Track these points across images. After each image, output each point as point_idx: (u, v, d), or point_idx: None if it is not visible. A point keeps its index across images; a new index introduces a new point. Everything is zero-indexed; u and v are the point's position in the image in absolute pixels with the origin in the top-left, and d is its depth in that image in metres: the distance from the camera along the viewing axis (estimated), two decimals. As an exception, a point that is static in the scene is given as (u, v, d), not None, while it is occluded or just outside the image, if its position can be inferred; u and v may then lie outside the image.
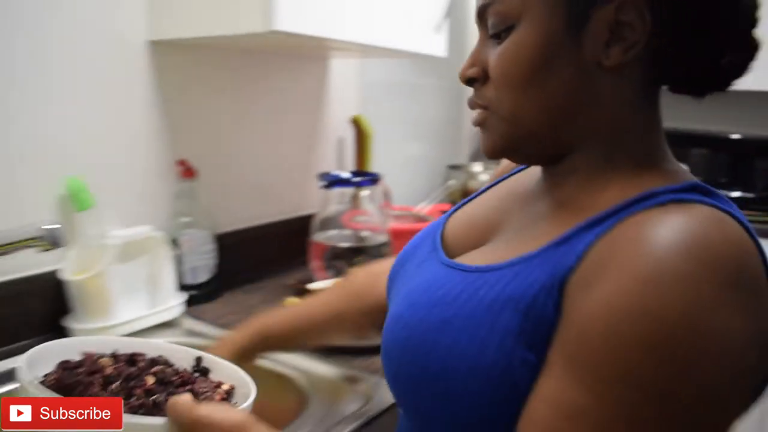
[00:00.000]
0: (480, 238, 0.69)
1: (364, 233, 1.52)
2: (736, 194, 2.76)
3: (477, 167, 2.39)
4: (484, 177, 2.28)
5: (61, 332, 1.16)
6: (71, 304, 1.17)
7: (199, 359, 0.76)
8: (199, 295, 1.37)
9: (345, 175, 1.47)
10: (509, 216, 0.68)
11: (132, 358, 0.74)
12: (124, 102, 1.30)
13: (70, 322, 1.17)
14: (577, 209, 0.57)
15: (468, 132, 2.57)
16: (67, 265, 1.17)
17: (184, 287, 1.35)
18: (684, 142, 2.88)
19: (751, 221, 0.56)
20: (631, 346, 0.45)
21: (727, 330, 0.45)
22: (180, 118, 1.41)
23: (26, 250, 0.84)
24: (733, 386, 0.46)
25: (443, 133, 2.48)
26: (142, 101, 1.33)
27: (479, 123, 0.62)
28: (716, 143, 2.88)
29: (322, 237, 1.49)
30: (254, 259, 1.57)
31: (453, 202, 2.05)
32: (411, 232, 0.89)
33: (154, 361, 0.74)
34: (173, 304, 1.28)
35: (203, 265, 1.39)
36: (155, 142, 1.37)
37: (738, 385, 0.47)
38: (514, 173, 0.76)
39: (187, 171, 1.36)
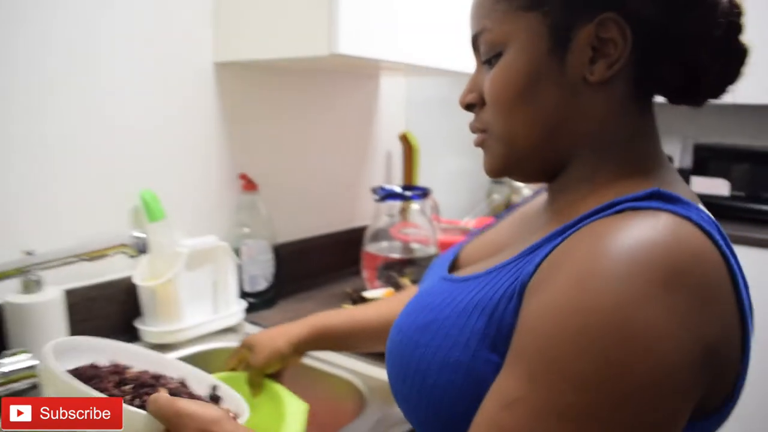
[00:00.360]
0: (487, 256, 0.73)
1: (414, 245, 1.58)
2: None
3: (520, 182, 2.43)
4: (527, 191, 2.32)
5: (134, 334, 1.25)
6: (142, 308, 1.26)
7: (215, 387, 0.81)
8: (257, 303, 1.44)
9: (397, 189, 1.53)
10: (515, 234, 0.74)
11: (154, 376, 0.78)
12: (191, 120, 1.39)
13: (141, 324, 1.25)
14: (559, 221, 0.59)
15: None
16: (139, 271, 1.26)
17: (243, 294, 1.42)
18: (727, 157, 2.89)
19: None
20: (564, 339, 0.47)
21: (655, 329, 0.45)
22: (242, 134, 1.50)
23: (115, 256, 0.92)
24: (658, 384, 0.45)
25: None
26: (207, 119, 1.42)
27: (479, 144, 0.67)
28: (759, 158, 2.87)
29: (374, 248, 1.55)
30: (309, 269, 1.64)
31: (497, 216, 2.10)
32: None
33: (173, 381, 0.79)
34: (235, 310, 1.36)
35: (262, 273, 1.46)
36: (219, 157, 1.45)
37: (664, 384, 0.46)
38: (533, 196, 0.81)
39: (249, 184, 1.44)
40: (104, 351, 0.80)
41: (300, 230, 1.67)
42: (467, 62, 1.65)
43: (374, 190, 1.54)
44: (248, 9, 1.32)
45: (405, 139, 1.90)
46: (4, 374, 0.95)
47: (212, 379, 0.83)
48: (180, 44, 1.34)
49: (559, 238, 0.54)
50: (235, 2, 1.34)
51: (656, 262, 0.47)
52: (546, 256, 0.54)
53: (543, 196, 0.75)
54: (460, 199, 2.34)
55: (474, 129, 0.67)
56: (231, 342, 1.29)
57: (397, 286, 1.29)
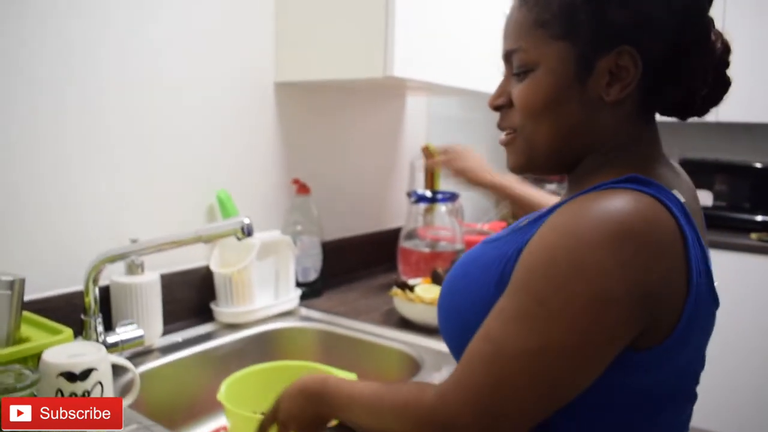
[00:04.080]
0: None
1: (442, 243, 1.79)
2: (760, 218, 2.98)
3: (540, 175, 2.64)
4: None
5: (209, 315, 1.45)
6: (217, 292, 1.45)
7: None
8: (308, 292, 1.64)
9: (428, 193, 1.75)
10: None
11: None
12: (256, 131, 1.60)
13: (216, 306, 1.44)
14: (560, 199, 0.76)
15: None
16: (214, 260, 1.45)
17: (296, 284, 1.62)
18: (710, 171, 3.13)
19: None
20: (536, 267, 0.63)
21: (600, 267, 0.60)
22: (295, 144, 1.71)
23: (230, 237, 1.09)
24: (595, 307, 0.60)
25: (493, 161, 2.74)
26: (267, 130, 1.63)
27: (507, 143, 0.79)
28: (740, 171, 3.11)
29: (409, 245, 1.77)
30: (350, 263, 1.86)
31: (506, 221, 2.32)
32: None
33: None
34: (293, 296, 1.55)
35: (312, 266, 1.66)
36: (277, 163, 1.66)
37: (600, 308, 0.60)
38: None
39: (302, 188, 1.64)
40: None
41: (344, 229, 1.89)
42: (486, 83, 1.89)
43: (409, 194, 1.76)
44: (306, 33, 1.54)
45: (427, 151, 2.11)
46: (121, 342, 1.14)
47: None
48: (246, 65, 1.55)
49: (555, 210, 0.70)
50: (294, 28, 1.55)
51: (612, 221, 0.61)
52: (541, 224, 0.70)
53: None
54: (474, 205, 2.56)
55: (502, 127, 0.80)
56: (290, 323, 1.48)
57: (437, 276, 1.50)
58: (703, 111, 0.76)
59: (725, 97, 0.75)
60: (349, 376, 1.02)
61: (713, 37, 0.72)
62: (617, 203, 0.62)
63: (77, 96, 1.22)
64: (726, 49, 0.74)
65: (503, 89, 0.78)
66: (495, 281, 0.72)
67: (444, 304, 0.84)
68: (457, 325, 0.79)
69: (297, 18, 1.55)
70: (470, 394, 0.64)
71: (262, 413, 0.89)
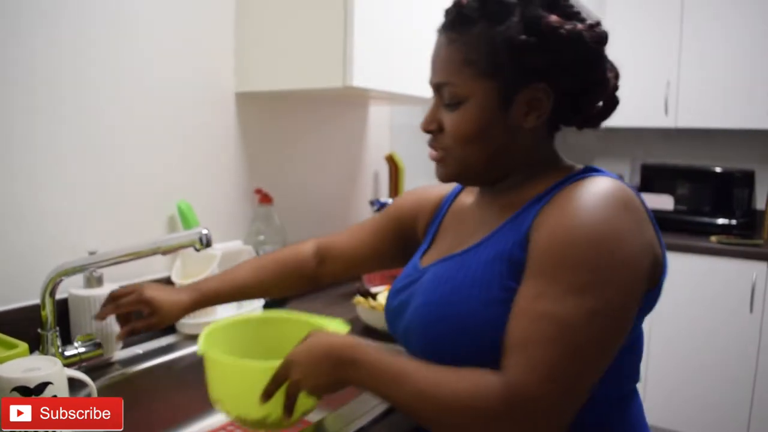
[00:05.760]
0: (454, 247, 0.93)
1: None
2: (720, 221, 3.05)
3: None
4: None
5: (172, 326, 1.42)
6: (179, 304, 1.44)
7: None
8: (271, 302, 1.64)
9: (390, 201, 1.76)
10: (469, 226, 0.95)
11: None
12: (217, 140, 1.60)
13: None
14: (519, 202, 0.86)
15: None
16: (176, 271, 1.45)
17: (260, 294, 1.61)
18: (671, 176, 3.20)
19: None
20: (563, 247, 0.73)
21: (624, 232, 0.74)
22: (258, 153, 1.71)
23: (185, 249, 1.10)
24: (630, 269, 0.73)
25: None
26: (228, 139, 1.63)
27: (438, 160, 0.90)
28: (699, 176, 3.18)
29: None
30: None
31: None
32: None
33: None
34: (256, 306, 1.55)
35: (276, 275, 1.66)
36: (239, 173, 1.66)
37: (635, 269, 0.74)
38: (447, 206, 1.06)
39: (264, 197, 1.65)
40: None
41: (306, 238, 1.87)
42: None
43: (371, 203, 1.77)
44: (266, 43, 1.54)
45: (391, 160, 2.14)
46: (79, 354, 1.13)
47: None
48: (206, 75, 1.55)
49: (541, 201, 0.81)
50: (254, 38, 1.56)
51: (617, 196, 0.76)
52: (538, 211, 0.80)
53: (461, 208, 1.01)
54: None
55: (434, 148, 0.91)
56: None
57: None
58: (596, 124, 0.90)
59: (612, 114, 0.90)
60: (342, 327, 0.98)
61: (608, 73, 0.86)
62: (606, 183, 0.78)
63: (29, 104, 1.20)
64: (616, 76, 0.88)
65: (434, 115, 0.89)
66: (503, 273, 0.80)
67: (434, 327, 0.85)
68: (462, 337, 0.81)
69: (257, 28, 1.56)
70: (544, 374, 0.68)
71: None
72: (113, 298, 1.09)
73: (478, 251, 0.85)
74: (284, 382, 0.82)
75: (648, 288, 0.78)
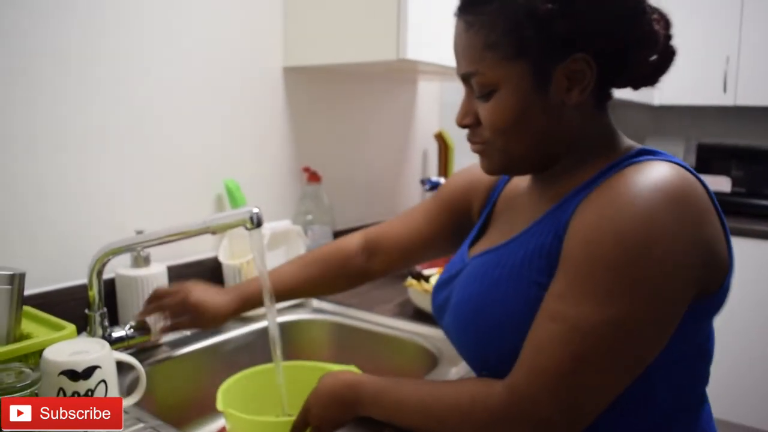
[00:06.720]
0: (499, 238, 0.87)
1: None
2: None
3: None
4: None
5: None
6: (226, 283, 1.41)
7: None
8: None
9: (442, 180, 1.70)
10: (518, 214, 0.88)
11: None
12: (264, 118, 1.55)
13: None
14: (566, 189, 0.77)
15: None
16: (223, 251, 1.41)
17: (308, 275, 1.57)
18: (729, 156, 3.07)
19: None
20: (602, 241, 0.65)
21: (667, 230, 0.64)
22: (305, 131, 1.66)
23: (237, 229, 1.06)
24: (668, 270, 0.64)
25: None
26: (277, 117, 1.58)
27: (480, 153, 0.82)
28: (758, 156, 3.04)
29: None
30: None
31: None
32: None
33: None
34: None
35: (324, 256, 1.61)
36: (287, 150, 1.62)
37: (682, 274, 0.65)
38: (501, 189, 0.98)
39: (312, 176, 1.60)
40: None
41: (356, 218, 1.84)
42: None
43: (422, 182, 1.71)
44: (316, 16, 1.49)
45: (440, 138, 2.07)
46: (127, 337, 1.10)
47: None
48: (253, 49, 1.51)
49: (584, 192, 0.72)
50: (303, 10, 1.51)
51: (670, 188, 0.66)
52: (579, 202, 0.71)
53: (514, 192, 0.93)
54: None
55: (473, 142, 0.82)
56: (301, 315, 1.45)
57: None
58: (654, 81, 0.79)
59: (671, 65, 0.79)
60: (351, 369, 0.98)
61: (655, 26, 0.75)
62: (662, 171, 0.68)
63: (77, 87, 1.18)
64: (667, 25, 0.77)
65: (468, 108, 0.80)
66: (542, 269, 0.73)
67: (474, 322, 0.80)
68: (501, 334, 0.76)
69: (307, 0, 1.50)
70: (547, 378, 0.65)
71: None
72: (157, 297, 1.09)
73: (516, 245, 0.79)
74: (305, 430, 0.86)
75: (701, 291, 0.69)
